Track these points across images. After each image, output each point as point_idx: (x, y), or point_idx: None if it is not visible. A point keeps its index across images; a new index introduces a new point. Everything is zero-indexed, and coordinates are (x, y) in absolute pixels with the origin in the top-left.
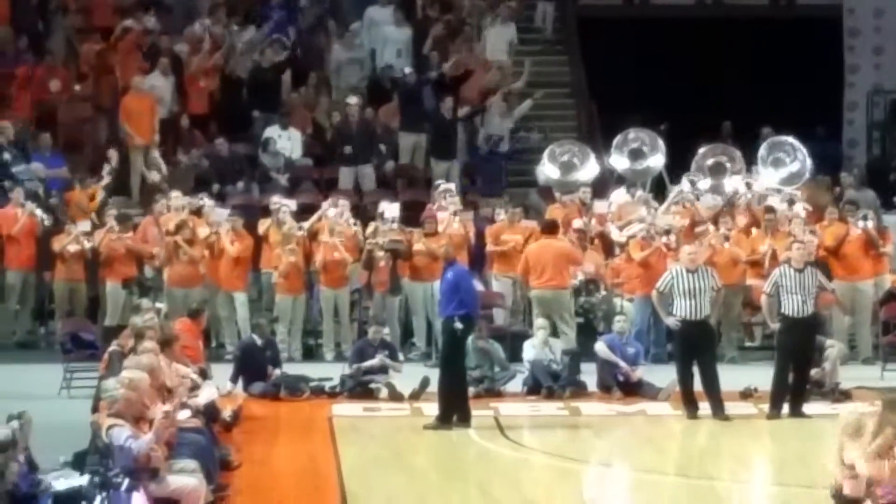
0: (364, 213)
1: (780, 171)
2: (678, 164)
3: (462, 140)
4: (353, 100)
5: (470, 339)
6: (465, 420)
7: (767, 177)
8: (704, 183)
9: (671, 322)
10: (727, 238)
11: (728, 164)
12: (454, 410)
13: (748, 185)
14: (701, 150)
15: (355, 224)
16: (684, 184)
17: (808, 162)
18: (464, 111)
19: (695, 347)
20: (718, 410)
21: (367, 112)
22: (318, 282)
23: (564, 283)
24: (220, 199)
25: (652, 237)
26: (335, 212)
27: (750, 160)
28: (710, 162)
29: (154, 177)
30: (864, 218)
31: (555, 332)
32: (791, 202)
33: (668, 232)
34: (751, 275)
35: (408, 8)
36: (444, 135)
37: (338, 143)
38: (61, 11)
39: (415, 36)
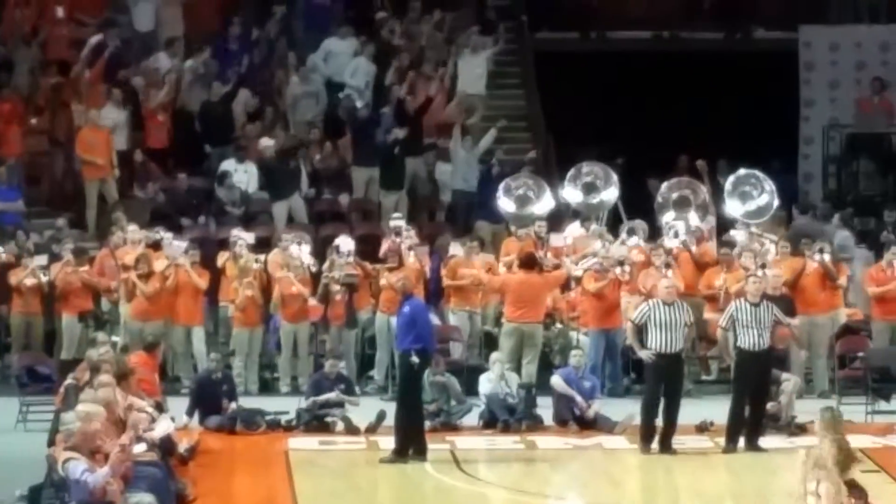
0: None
1: (747, 204)
2: (634, 198)
3: (423, 174)
4: (267, 142)
5: (426, 372)
6: (421, 454)
7: (735, 210)
8: (669, 216)
9: (645, 355)
10: (668, 266)
11: (692, 198)
12: (410, 444)
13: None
14: (665, 185)
15: (312, 265)
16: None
17: (776, 194)
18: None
19: (665, 381)
20: (668, 444)
21: (326, 146)
22: (275, 315)
23: (540, 316)
24: (178, 232)
25: (606, 270)
26: (296, 248)
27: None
28: (674, 196)
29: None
30: (821, 251)
31: (518, 366)
32: (758, 237)
33: (622, 263)
34: (708, 309)
35: (368, 39)
36: (392, 165)
37: (264, 180)
38: (24, 44)
39: (377, 68)
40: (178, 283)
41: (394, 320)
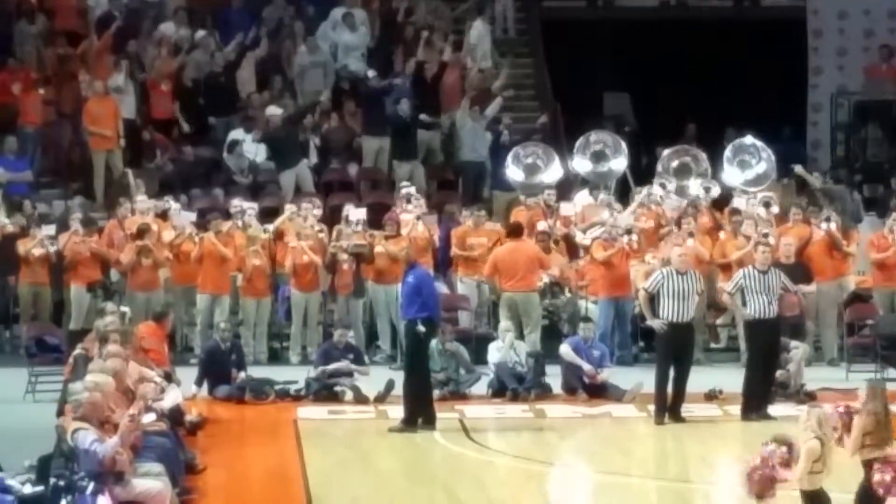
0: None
1: (746, 172)
2: (643, 166)
3: (436, 145)
4: (275, 110)
5: (435, 341)
6: (430, 423)
7: (734, 178)
8: (671, 184)
9: (657, 324)
10: (691, 235)
11: (693, 166)
12: (419, 413)
13: (707, 190)
14: (666, 152)
15: (321, 231)
16: (654, 187)
17: (774, 162)
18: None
19: (676, 350)
20: (677, 412)
21: (334, 116)
22: (285, 285)
23: (534, 285)
24: (187, 202)
25: (614, 238)
26: (311, 215)
27: (715, 162)
28: (675, 164)
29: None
30: (827, 220)
31: (521, 335)
32: (767, 205)
33: (629, 232)
34: (722, 279)
35: (374, 10)
36: (404, 135)
37: (269, 149)
38: (30, 15)
39: (382, 39)
40: (203, 253)
41: (389, 290)
